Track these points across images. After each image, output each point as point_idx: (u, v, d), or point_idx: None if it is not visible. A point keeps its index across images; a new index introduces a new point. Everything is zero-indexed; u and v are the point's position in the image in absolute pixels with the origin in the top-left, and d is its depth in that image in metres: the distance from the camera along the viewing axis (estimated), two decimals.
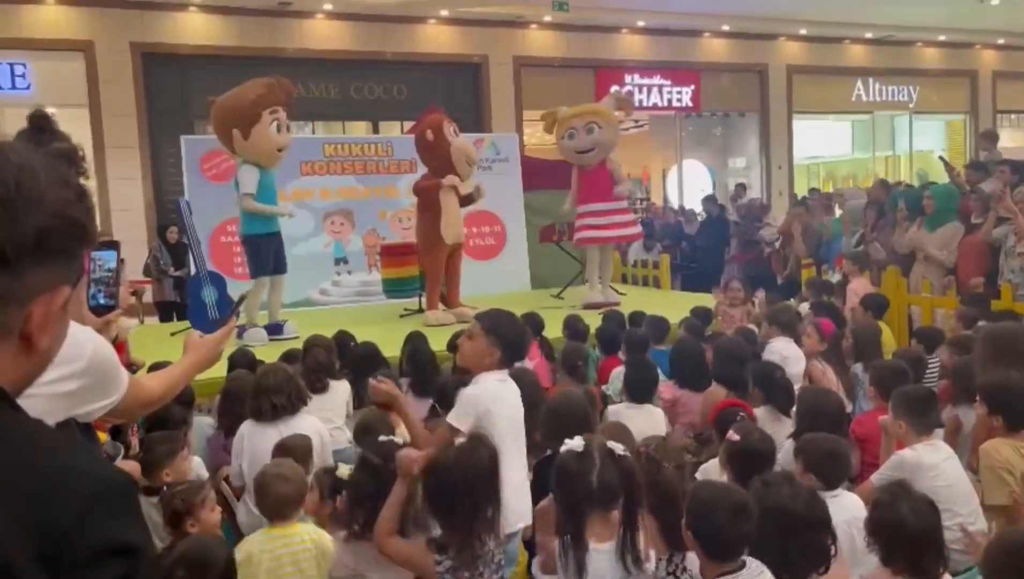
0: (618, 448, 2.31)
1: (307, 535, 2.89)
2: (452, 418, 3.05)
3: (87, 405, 1.65)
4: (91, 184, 10.39)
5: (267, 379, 3.92)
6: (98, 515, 0.93)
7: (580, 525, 2.29)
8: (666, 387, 5.17)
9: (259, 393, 3.85)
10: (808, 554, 2.64)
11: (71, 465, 0.97)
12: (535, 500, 3.53)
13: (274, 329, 7.11)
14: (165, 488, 3.16)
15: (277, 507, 2.90)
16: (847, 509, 3.08)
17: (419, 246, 8.00)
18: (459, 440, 2.35)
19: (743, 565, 2.42)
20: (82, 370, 1.63)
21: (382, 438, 2.85)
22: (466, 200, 7.83)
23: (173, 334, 7.51)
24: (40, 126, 2.57)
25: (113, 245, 2.18)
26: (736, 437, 3.25)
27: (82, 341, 1.66)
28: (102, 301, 2.11)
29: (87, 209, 1.05)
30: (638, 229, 9.35)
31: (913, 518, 2.69)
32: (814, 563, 2.64)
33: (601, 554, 2.21)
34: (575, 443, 2.32)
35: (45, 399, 1.47)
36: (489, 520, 2.30)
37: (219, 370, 5.03)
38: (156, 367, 3.52)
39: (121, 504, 0.97)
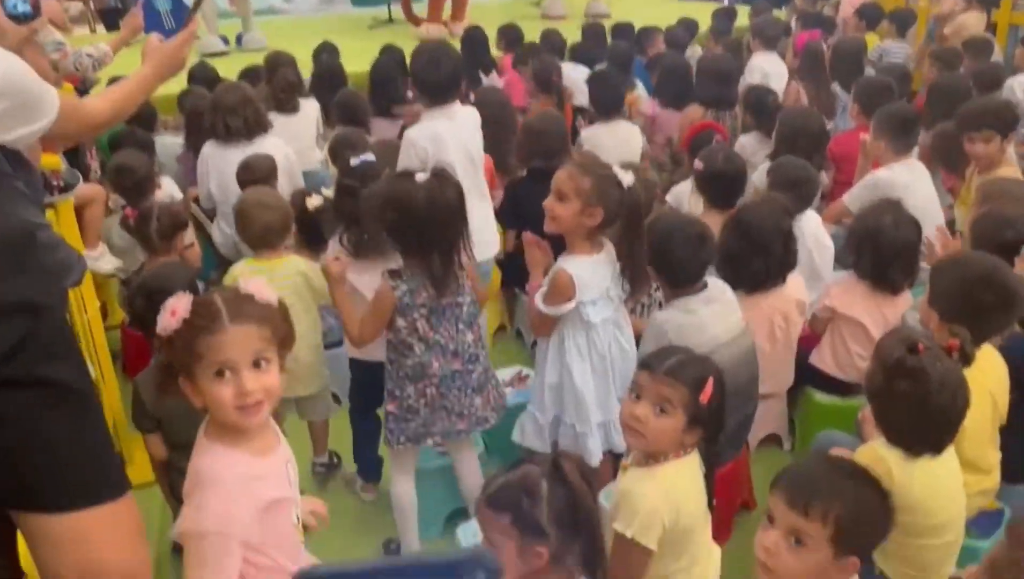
0: (627, 179, 2.26)
1: (293, 267, 2.81)
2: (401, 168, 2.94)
3: (9, 132, 1.51)
4: None
5: (223, 99, 3.71)
6: None
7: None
8: (648, 103, 5.04)
9: (215, 112, 3.67)
10: (771, 267, 2.75)
11: None
12: (510, 222, 3.56)
13: (239, 39, 6.90)
14: (128, 209, 3.09)
15: (263, 236, 2.79)
16: (808, 228, 3.15)
17: None
18: (420, 175, 2.25)
19: (704, 286, 2.50)
20: None
21: (354, 160, 2.72)
22: None
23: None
24: None
25: None
26: (700, 165, 3.22)
27: None
28: (20, 9, 1.91)
29: None
30: None
31: (893, 230, 2.77)
32: (777, 274, 2.76)
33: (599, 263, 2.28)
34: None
35: None
36: (459, 252, 2.29)
37: (179, 84, 4.83)
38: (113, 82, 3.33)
39: (13, 260, 0.89)
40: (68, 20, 4.41)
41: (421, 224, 2.23)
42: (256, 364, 1.42)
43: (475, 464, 2.56)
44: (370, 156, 2.78)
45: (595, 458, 2.38)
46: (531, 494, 1.48)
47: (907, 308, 2.79)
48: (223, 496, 1.41)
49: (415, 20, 7.48)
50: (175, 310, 1.39)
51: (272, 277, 2.67)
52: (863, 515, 1.54)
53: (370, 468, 2.91)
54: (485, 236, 3.12)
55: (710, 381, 1.76)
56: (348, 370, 3.00)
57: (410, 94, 4.55)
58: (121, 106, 1.92)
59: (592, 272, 2.30)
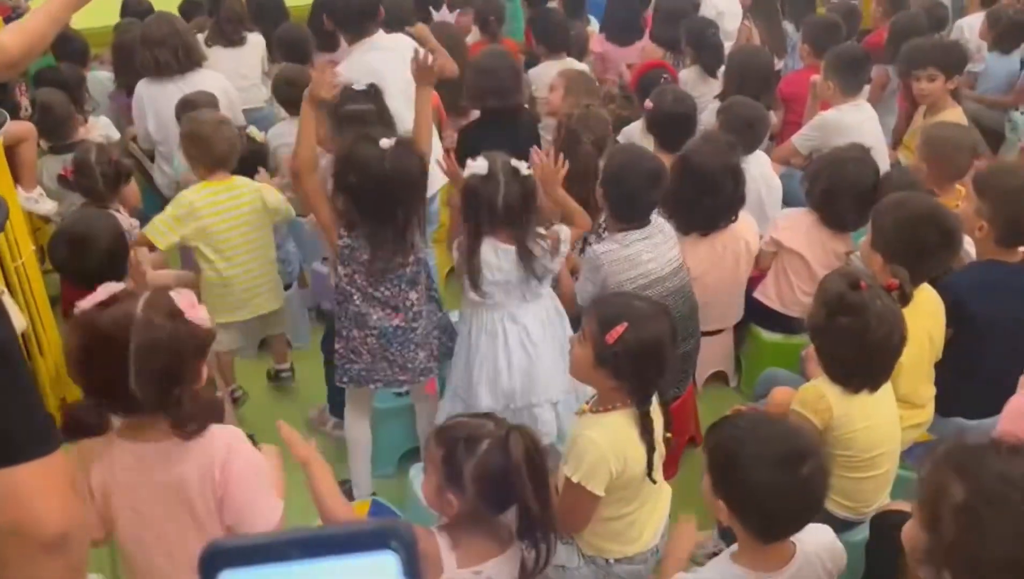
0: (521, 167, 2.23)
1: (249, 185, 2.78)
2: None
3: None
4: None
5: (151, 31, 3.53)
6: None
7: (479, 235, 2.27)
8: (596, 40, 4.97)
9: (144, 46, 3.50)
10: (720, 207, 2.76)
11: None
12: (462, 162, 3.48)
13: None
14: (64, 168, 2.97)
15: (225, 156, 2.74)
16: (757, 169, 3.17)
17: None
18: (385, 141, 2.18)
19: (648, 222, 2.52)
20: None
21: (359, 86, 2.60)
22: None
23: None
24: None
25: None
26: (650, 105, 3.20)
27: None
28: None
29: None
30: None
31: (855, 167, 2.79)
32: (727, 213, 2.78)
33: (508, 253, 2.24)
34: (479, 165, 2.23)
35: None
36: (412, 226, 2.25)
37: (114, 16, 4.61)
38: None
39: None
40: None
41: (377, 192, 2.18)
42: None
43: (433, 405, 2.57)
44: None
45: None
46: (469, 446, 1.50)
47: (850, 249, 2.84)
48: None
49: None
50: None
51: (231, 196, 2.74)
52: None
53: (339, 405, 2.90)
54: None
55: (621, 325, 1.74)
56: (298, 312, 2.97)
57: None
58: (35, 38, 1.79)
59: (496, 259, 2.26)
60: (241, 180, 2.80)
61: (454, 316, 2.54)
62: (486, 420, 1.58)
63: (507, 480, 1.47)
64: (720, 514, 1.53)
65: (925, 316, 2.19)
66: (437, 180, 3.19)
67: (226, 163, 2.77)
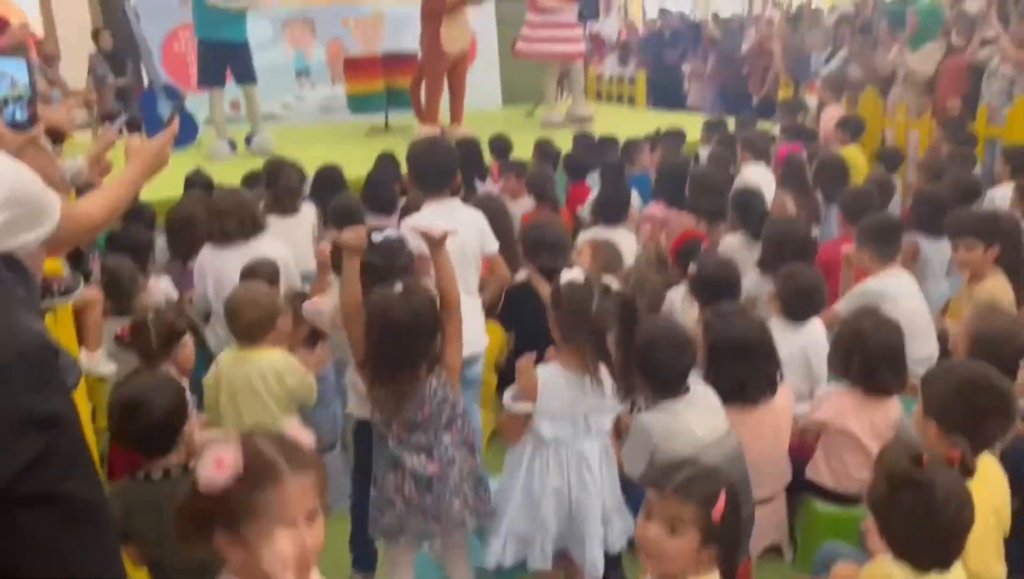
0: (613, 283, 2.33)
1: (268, 364, 2.87)
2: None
3: (14, 239, 1.53)
4: None
5: (220, 202, 3.80)
6: (13, 387, 0.86)
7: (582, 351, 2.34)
8: (656, 206, 5.15)
9: (212, 216, 3.75)
10: (758, 379, 2.76)
11: None
12: (510, 324, 3.58)
13: (249, 140, 7.19)
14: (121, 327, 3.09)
15: (247, 330, 2.91)
16: (812, 335, 3.19)
17: (422, 55, 7.55)
18: (398, 286, 2.30)
19: (687, 390, 2.54)
20: (1, 202, 1.50)
21: (376, 235, 2.60)
22: None
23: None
24: None
25: (18, 53, 1.99)
26: (694, 270, 3.29)
27: None
28: (19, 118, 1.95)
29: None
30: (579, 48, 8.36)
31: (875, 333, 2.78)
32: (763, 388, 2.77)
33: (566, 378, 2.30)
34: (575, 274, 2.34)
35: None
36: (422, 366, 2.31)
37: (176, 189, 4.91)
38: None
39: (38, 374, 0.90)
40: (74, 125, 4.49)
41: (383, 337, 2.26)
42: (310, 517, 1.29)
43: (464, 561, 2.52)
44: (393, 230, 2.76)
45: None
46: None
47: (897, 417, 2.79)
48: None
49: (422, 116, 7.69)
50: (222, 461, 1.23)
51: (250, 368, 2.88)
52: None
53: (363, 556, 2.81)
54: (469, 334, 3.14)
55: (722, 495, 1.68)
56: (340, 474, 2.95)
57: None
58: (112, 207, 1.92)
59: (561, 385, 2.32)
60: (268, 355, 2.89)
61: (494, 483, 2.53)
62: None
63: None
64: None
65: (990, 488, 2.12)
66: (479, 342, 3.26)
67: (249, 337, 2.90)
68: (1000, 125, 6.57)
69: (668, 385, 2.54)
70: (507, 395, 2.37)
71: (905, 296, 3.52)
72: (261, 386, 2.85)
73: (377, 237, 2.59)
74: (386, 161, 5.46)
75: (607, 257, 3.68)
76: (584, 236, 4.51)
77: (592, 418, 2.38)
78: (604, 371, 2.37)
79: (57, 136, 2.20)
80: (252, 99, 7.27)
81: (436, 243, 2.44)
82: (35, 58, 7.79)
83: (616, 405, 2.46)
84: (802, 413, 2.97)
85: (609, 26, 15.20)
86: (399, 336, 2.25)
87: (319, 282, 2.90)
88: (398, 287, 2.28)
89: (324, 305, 2.82)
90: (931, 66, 7.45)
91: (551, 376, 2.33)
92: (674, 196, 4.94)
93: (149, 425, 2.20)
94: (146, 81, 7.85)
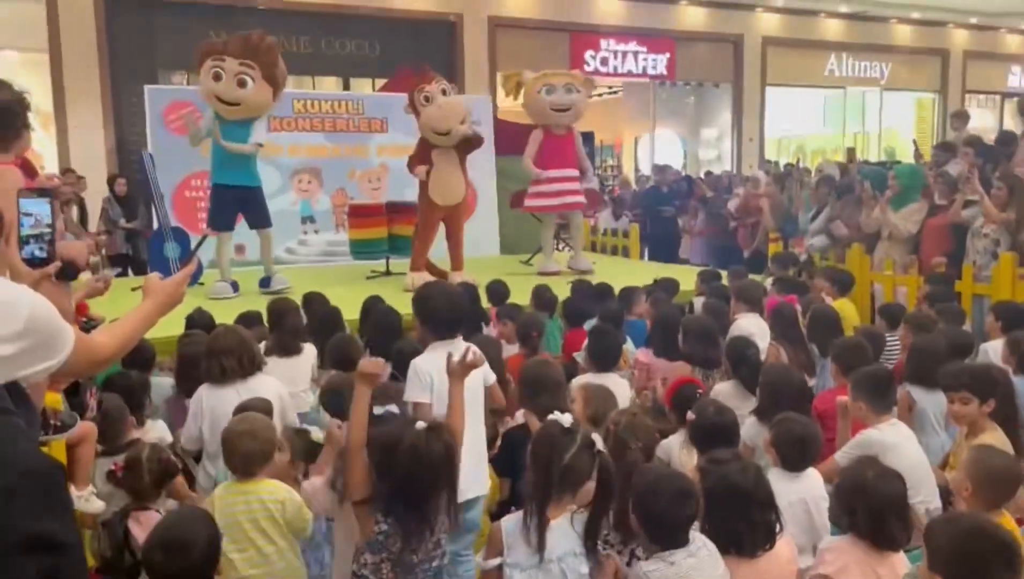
0: (598, 442, 2.33)
1: (268, 493, 2.85)
2: (409, 396, 3.05)
3: (28, 368, 1.55)
4: (40, 134, 10.11)
5: (219, 341, 3.85)
6: (15, 508, 0.86)
7: (545, 498, 2.30)
8: (643, 353, 5.20)
9: (211, 355, 3.79)
10: (756, 530, 2.69)
11: None
12: (505, 470, 3.54)
13: (264, 282, 7.41)
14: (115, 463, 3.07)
15: (243, 464, 2.89)
16: (810, 486, 3.15)
17: (418, 205, 7.89)
18: (420, 424, 2.32)
19: (686, 541, 2.48)
20: (19, 332, 1.52)
21: (377, 409, 2.70)
22: (466, 147, 7.60)
23: (134, 289, 7.36)
24: None
25: (44, 193, 2.08)
26: (692, 416, 3.29)
27: (17, 301, 1.55)
28: (39, 255, 2.02)
29: None
30: (580, 199, 8.72)
31: (879, 484, 2.74)
32: (761, 539, 2.69)
33: (553, 530, 2.25)
34: (565, 418, 2.34)
35: None
36: (439, 510, 2.31)
37: (179, 327, 4.96)
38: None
39: (42, 496, 0.90)
40: (88, 264, 4.58)
41: (401, 473, 2.25)
42: None
43: None
44: (393, 407, 2.83)
45: None
46: None
47: (903, 571, 2.72)
48: None
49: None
50: None
51: (247, 500, 2.84)
52: None
53: None
54: (473, 474, 3.12)
55: None
56: None
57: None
58: (125, 341, 1.95)
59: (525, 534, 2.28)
60: (265, 485, 2.87)
61: None
62: None
63: None
64: None
65: None
66: (479, 485, 3.22)
67: (245, 470, 2.88)
68: (986, 283, 6.75)
69: (668, 536, 2.48)
70: (479, 554, 2.34)
71: (904, 446, 3.51)
72: (261, 513, 2.79)
73: (378, 411, 2.69)
74: (377, 308, 5.48)
75: (599, 401, 3.68)
76: (577, 382, 4.53)
77: (565, 563, 2.30)
78: (578, 518, 2.32)
79: (71, 271, 2.25)
80: (268, 242, 7.52)
81: (461, 373, 2.49)
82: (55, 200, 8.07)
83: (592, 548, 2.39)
84: (806, 566, 2.89)
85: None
86: (431, 468, 2.27)
87: (325, 456, 2.87)
88: (420, 425, 2.29)
89: (322, 492, 2.79)
90: (914, 225, 7.72)
91: (515, 527, 2.29)
92: (668, 345, 4.99)
93: (186, 566, 2.20)
94: (155, 224, 8.09)
